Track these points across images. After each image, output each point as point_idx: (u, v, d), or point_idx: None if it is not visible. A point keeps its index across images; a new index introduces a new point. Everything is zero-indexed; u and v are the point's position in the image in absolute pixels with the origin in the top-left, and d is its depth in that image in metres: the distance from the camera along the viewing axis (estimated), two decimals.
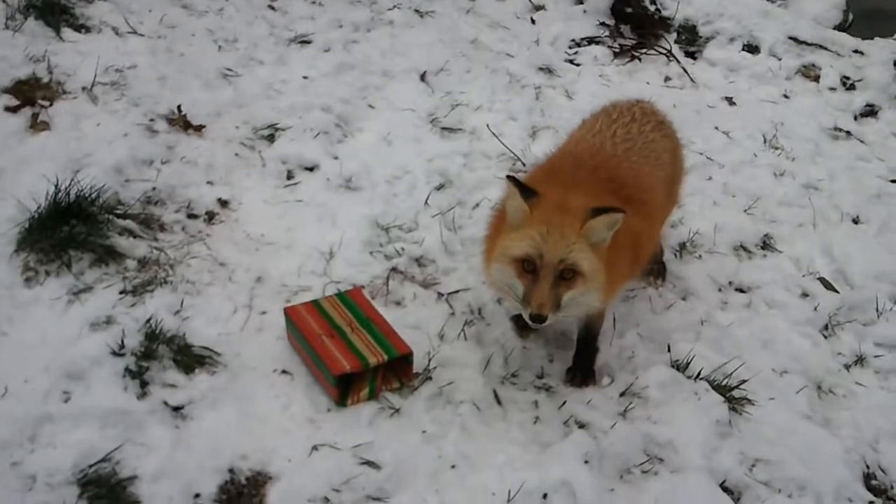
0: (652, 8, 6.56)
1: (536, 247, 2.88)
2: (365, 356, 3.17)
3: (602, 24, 6.43)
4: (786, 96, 6.01)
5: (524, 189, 2.93)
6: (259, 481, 2.89)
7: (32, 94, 4.40)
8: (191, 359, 3.23)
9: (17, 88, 4.40)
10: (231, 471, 2.90)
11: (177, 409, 3.05)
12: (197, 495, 2.80)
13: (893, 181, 5.22)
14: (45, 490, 2.69)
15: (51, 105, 4.35)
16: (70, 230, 3.60)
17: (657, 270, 4.08)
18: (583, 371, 3.49)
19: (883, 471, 3.39)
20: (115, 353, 3.13)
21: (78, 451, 2.81)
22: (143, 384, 3.08)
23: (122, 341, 3.16)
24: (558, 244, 2.86)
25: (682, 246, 4.33)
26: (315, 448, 3.00)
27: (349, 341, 3.23)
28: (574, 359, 3.52)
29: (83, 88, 4.49)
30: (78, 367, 3.08)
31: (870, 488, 3.31)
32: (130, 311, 3.36)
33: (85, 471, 2.75)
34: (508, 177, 2.97)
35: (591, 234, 2.89)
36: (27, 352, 3.15)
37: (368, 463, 2.96)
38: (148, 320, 3.27)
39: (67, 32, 4.84)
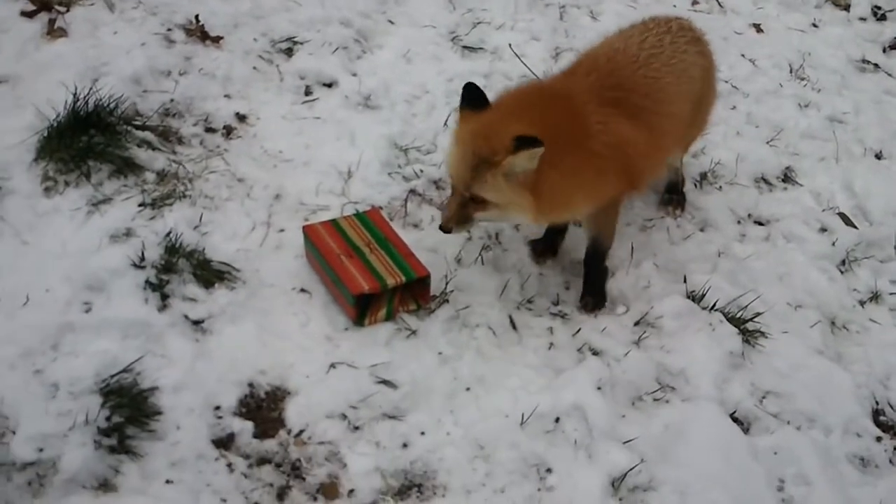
0: None
1: (448, 169, 3.07)
2: (383, 277, 3.18)
3: None
4: (814, 25, 5.86)
5: (470, 98, 3.02)
6: (278, 396, 2.95)
7: None
8: (210, 273, 3.24)
9: None
10: (251, 385, 2.95)
11: (197, 322, 3.08)
12: (217, 407, 2.85)
13: None
14: (68, 398, 2.73)
15: (67, 11, 4.28)
16: (89, 140, 3.58)
17: (676, 200, 4.06)
18: (594, 296, 3.51)
19: (892, 407, 3.44)
20: (135, 266, 3.15)
21: (100, 361, 2.84)
22: (164, 297, 3.10)
23: (143, 254, 3.17)
24: (465, 175, 2.94)
25: (703, 176, 4.29)
26: (333, 366, 3.04)
27: (368, 262, 3.24)
28: (584, 283, 3.55)
29: None
30: (99, 278, 3.10)
31: (878, 424, 3.36)
32: (150, 224, 3.36)
33: (107, 380, 2.79)
34: (467, 84, 3.05)
35: (508, 168, 2.90)
36: (48, 261, 3.16)
37: (385, 382, 3.01)
38: (168, 234, 3.28)
39: None
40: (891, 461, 3.23)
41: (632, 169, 3.29)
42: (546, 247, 3.66)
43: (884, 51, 5.76)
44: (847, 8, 6.08)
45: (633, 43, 3.49)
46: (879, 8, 6.06)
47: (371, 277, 3.17)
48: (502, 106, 3.08)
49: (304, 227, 3.38)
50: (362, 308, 3.16)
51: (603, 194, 3.29)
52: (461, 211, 3.01)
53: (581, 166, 3.08)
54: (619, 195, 3.39)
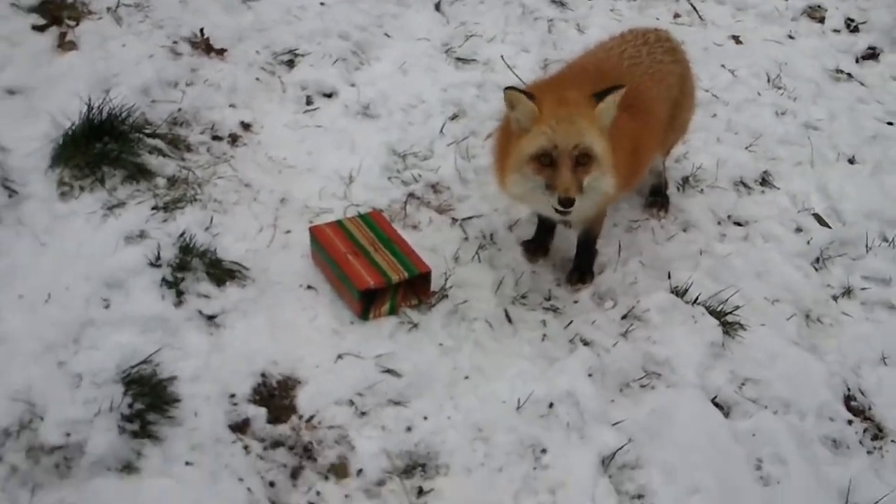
0: None
1: (550, 139, 3.12)
2: (387, 273, 3.38)
3: None
4: (791, 37, 6.10)
5: (526, 94, 3.19)
6: (289, 385, 3.14)
7: (59, 13, 4.50)
8: (222, 272, 3.43)
9: (43, 8, 4.50)
10: (263, 375, 3.13)
11: (211, 317, 3.27)
12: (232, 395, 3.03)
13: (890, 123, 5.36)
14: (92, 387, 2.90)
15: (77, 25, 4.46)
16: (103, 147, 3.76)
17: (660, 202, 4.28)
18: (581, 270, 3.77)
19: (863, 393, 3.64)
20: (152, 264, 3.33)
21: (120, 354, 3.01)
22: (179, 293, 3.28)
23: (159, 253, 3.36)
24: (570, 131, 3.11)
25: (686, 180, 4.51)
26: (340, 356, 3.23)
27: (372, 259, 3.44)
28: (574, 261, 3.80)
29: (108, 9, 4.59)
30: (116, 276, 3.28)
31: (850, 409, 3.55)
32: (163, 227, 3.54)
33: (128, 371, 2.96)
34: (509, 88, 3.22)
35: (600, 116, 3.15)
36: (67, 261, 3.33)
37: (389, 371, 3.20)
38: (181, 234, 3.46)
39: None
40: (861, 442, 3.43)
41: (639, 162, 3.58)
42: (538, 246, 3.87)
43: (857, 61, 6.00)
44: (822, 20, 6.32)
45: (615, 54, 3.77)
46: (852, 20, 6.31)
47: (376, 274, 3.37)
48: (556, 82, 3.44)
49: (310, 228, 3.58)
50: (367, 303, 3.35)
51: (627, 183, 3.52)
52: (575, 177, 3.12)
53: (620, 151, 3.32)
54: (618, 193, 3.53)
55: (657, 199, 4.29)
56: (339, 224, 3.61)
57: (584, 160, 3.15)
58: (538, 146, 3.15)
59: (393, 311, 3.41)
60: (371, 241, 3.53)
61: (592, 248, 3.79)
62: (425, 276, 3.46)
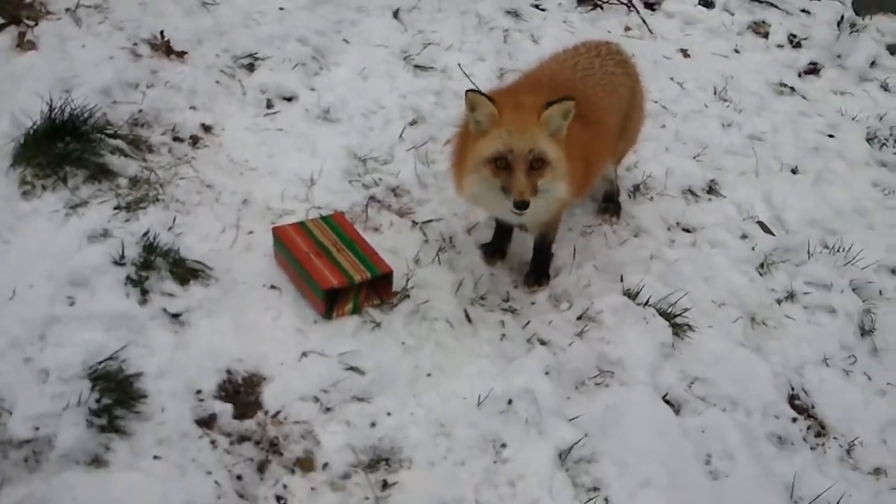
0: None
1: (506, 143, 3.28)
2: (350, 273, 3.45)
3: None
4: (736, 51, 6.35)
5: (487, 96, 3.34)
6: (254, 381, 3.19)
7: (17, 13, 4.50)
8: (185, 271, 3.46)
9: (0, 7, 4.49)
10: (228, 371, 3.18)
11: (175, 315, 3.30)
12: (198, 391, 3.07)
13: (831, 136, 5.62)
14: (59, 383, 2.92)
15: (36, 25, 4.46)
16: (65, 147, 3.77)
17: (612, 209, 4.43)
18: (537, 273, 3.91)
19: (806, 392, 3.82)
20: (116, 263, 3.35)
21: (86, 350, 3.04)
22: (144, 292, 3.31)
23: (123, 252, 3.38)
24: (524, 136, 3.27)
25: (636, 188, 4.67)
26: (304, 354, 3.30)
27: (335, 259, 3.51)
28: (531, 264, 3.93)
29: (66, 10, 4.60)
30: (81, 274, 3.29)
31: (794, 407, 3.73)
32: (125, 226, 3.56)
33: (94, 367, 2.98)
34: (470, 90, 3.37)
35: (549, 122, 3.30)
36: (30, 260, 3.34)
37: (353, 369, 3.27)
38: (145, 234, 3.49)
39: None
40: (805, 439, 3.61)
41: (591, 170, 3.71)
42: (496, 249, 3.98)
43: (799, 75, 6.27)
44: (766, 35, 6.59)
45: (569, 66, 3.93)
46: (795, 36, 6.59)
47: (339, 273, 3.44)
48: (514, 90, 3.56)
49: (273, 229, 3.64)
50: (330, 302, 3.42)
51: (581, 188, 3.65)
52: (530, 181, 3.26)
53: (582, 145, 3.49)
54: (571, 198, 3.66)
55: (609, 205, 4.43)
56: (301, 225, 3.68)
57: (538, 165, 3.29)
58: (495, 149, 3.29)
59: (356, 311, 3.48)
60: (333, 242, 3.60)
61: (548, 251, 3.92)
62: (387, 277, 3.55)
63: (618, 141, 4.14)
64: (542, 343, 3.60)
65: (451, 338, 3.51)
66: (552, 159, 3.31)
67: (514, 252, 4.05)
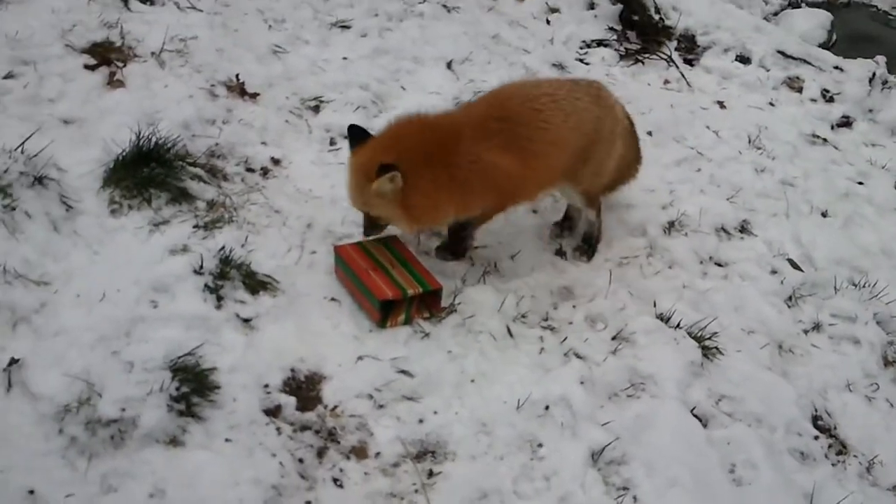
0: (656, 17, 7.19)
1: (348, 196, 3.94)
2: (404, 287, 3.79)
3: (611, 28, 7.06)
4: (771, 104, 6.65)
5: (354, 137, 3.97)
6: (315, 379, 3.52)
7: (108, 55, 4.95)
8: (256, 283, 3.83)
9: (93, 50, 4.96)
10: (292, 370, 3.52)
11: (246, 320, 3.65)
12: (266, 385, 3.42)
13: (860, 183, 5.86)
14: (143, 373, 3.27)
15: (124, 66, 4.92)
16: (150, 171, 4.18)
17: (585, 250, 4.55)
18: (450, 249, 4.28)
19: (829, 414, 4.04)
20: (196, 272, 3.72)
21: (167, 346, 3.38)
22: (219, 298, 3.67)
23: (202, 263, 3.76)
24: (357, 200, 3.89)
25: (671, 224, 4.95)
26: (360, 358, 3.63)
27: (391, 275, 3.85)
28: (447, 240, 4.29)
29: (152, 53, 5.05)
30: (163, 281, 3.66)
31: (816, 426, 3.95)
32: (202, 243, 3.94)
33: (174, 360, 3.33)
34: (350, 126, 4.01)
35: (377, 189, 3.73)
36: (117, 269, 3.71)
37: (404, 372, 3.59)
38: (221, 249, 3.87)
39: (135, 3, 5.39)
40: (826, 456, 3.83)
41: (500, 190, 3.99)
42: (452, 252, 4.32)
43: (832, 128, 6.55)
44: (800, 90, 6.88)
45: (534, 84, 4.29)
46: (828, 91, 6.88)
47: (394, 287, 3.78)
48: (376, 140, 3.91)
49: (335, 247, 4.00)
50: (385, 312, 3.76)
51: (468, 209, 4.01)
52: (369, 223, 3.96)
53: (441, 187, 3.82)
54: (491, 210, 4.11)
55: (583, 245, 4.57)
56: (360, 245, 4.03)
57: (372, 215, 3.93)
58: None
59: (407, 322, 3.82)
60: (389, 260, 3.95)
61: (461, 234, 4.21)
62: (437, 292, 3.88)
63: (576, 166, 4.19)
64: (578, 357, 3.88)
65: (494, 349, 3.81)
66: (379, 216, 3.91)
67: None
